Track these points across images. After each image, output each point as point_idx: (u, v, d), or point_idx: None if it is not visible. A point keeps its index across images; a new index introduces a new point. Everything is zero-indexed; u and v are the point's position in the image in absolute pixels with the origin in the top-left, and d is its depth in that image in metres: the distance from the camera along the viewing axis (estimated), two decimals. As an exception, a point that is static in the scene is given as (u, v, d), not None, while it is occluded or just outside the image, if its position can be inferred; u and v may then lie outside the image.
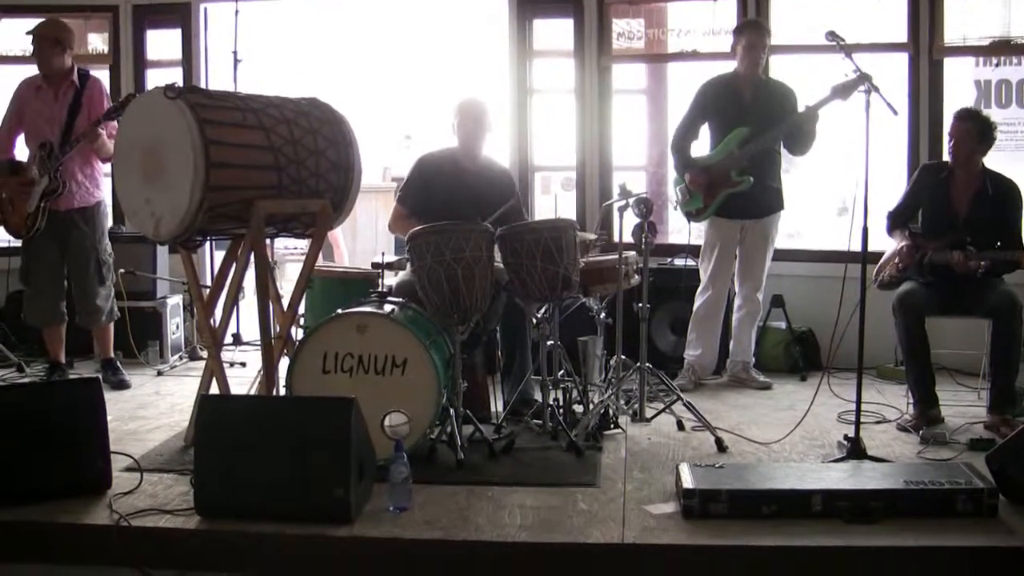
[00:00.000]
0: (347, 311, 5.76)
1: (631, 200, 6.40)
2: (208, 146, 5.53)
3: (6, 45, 9.76)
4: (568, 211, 9.06)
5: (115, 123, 7.48)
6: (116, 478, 5.34)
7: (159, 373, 8.42)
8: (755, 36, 7.56)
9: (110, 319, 7.96)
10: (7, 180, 7.68)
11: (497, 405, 6.78)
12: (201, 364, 8.18)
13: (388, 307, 5.86)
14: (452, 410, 5.82)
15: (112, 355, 8.06)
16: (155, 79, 9.50)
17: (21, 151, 7.88)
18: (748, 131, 7.42)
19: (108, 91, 7.87)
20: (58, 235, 7.65)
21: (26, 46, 9.42)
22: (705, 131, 7.75)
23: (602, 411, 6.34)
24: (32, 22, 7.83)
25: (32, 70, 7.82)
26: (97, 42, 9.59)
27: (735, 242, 7.75)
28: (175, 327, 9.02)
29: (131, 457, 5.69)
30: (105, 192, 7.79)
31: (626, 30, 9.28)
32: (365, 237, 12.85)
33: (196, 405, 5.87)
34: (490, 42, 9.96)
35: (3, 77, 9.71)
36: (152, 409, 7.23)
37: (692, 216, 7.68)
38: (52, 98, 7.65)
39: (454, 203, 6.59)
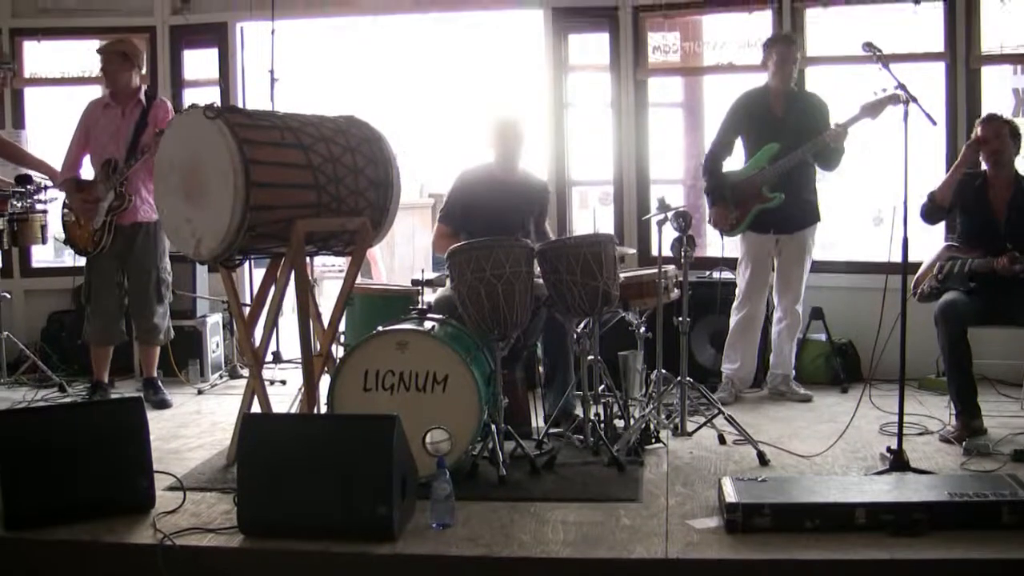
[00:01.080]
0: (387, 328, 5.77)
1: (670, 214, 6.40)
2: (248, 166, 5.56)
3: (46, 68, 9.83)
4: (606, 225, 9.04)
5: None
6: (159, 497, 5.37)
7: (199, 392, 8.46)
8: (785, 49, 7.55)
9: (167, 337, 8.04)
10: (73, 198, 7.79)
11: (538, 420, 6.78)
12: (241, 382, 8.23)
13: (428, 324, 5.86)
14: (494, 426, 5.81)
15: (154, 374, 8.10)
16: (192, 99, 9.53)
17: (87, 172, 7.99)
18: (779, 147, 7.41)
19: (173, 111, 7.90)
20: (120, 251, 7.76)
21: (66, 68, 9.56)
22: (739, 145, 7.75)
23: (643, 426, 6.32)
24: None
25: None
26: (135, 62, 9.65)
27: (770, 256, 7.73)
28: (215, 346, 9.06)
29: (174, 476, 5.72)
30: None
31: (661, 43, 9.27)
32: (402, 254, 12.85)
33: (238, 424, 5.93)
34: (526, 57, 9.97)
35: (43, 98, 9.83)
36: (193, 428, 7.25)
37: (725, 231, 7.69)
38: (119, 116, 7.76)
39: (495, 217, 6.63)
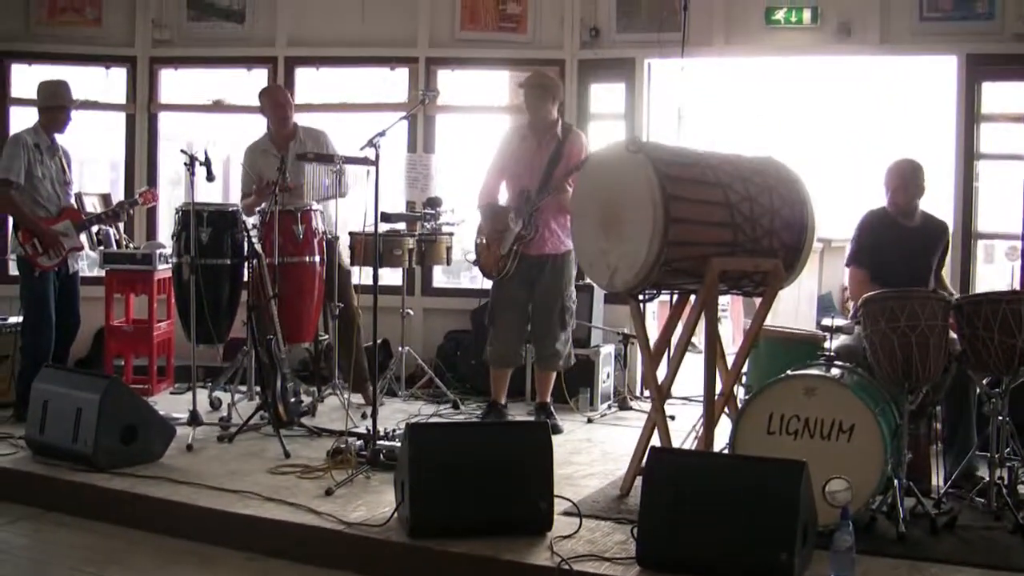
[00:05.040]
0: (796, 372, 5.73)
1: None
2: (668, 201, 5.64)
3: (457, 97, 10.19)
4: (1008, 282, 8.71)
5: None
6: (555, 521, 5.48)
7: (589, 420, 8.54)
8: None
9: (567, 364, 8.18)
10: (487, 222, 8.07)
11: (937, 478, 6.56)
12: (630, 414, 8.42)
13: (836, 371, 5.79)
14: (896, 481, 5.66)
15: (548, 399, 8.25)
16: (598, 132, 9.70)
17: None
18: None
19: (587, 147, 8.06)
20: (527, 279, 7.96)
21: (476, 98, 9.88)
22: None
23: (1051, 494, 6.04)
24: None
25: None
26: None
27: None
28: (606, 375, 9.16)
29: (570, 501, 5.81)
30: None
31: (1087, 93, 8.87)
32: (787, 297, 12.71)
33: (637, 455, 6.00)
34: (935, 104, 9.70)
35: (452, 125, 10.17)
36: (585, 455, 7.34)
37: None
38: (535, 147, 7.95)
39: (902, 264, 6.52)
